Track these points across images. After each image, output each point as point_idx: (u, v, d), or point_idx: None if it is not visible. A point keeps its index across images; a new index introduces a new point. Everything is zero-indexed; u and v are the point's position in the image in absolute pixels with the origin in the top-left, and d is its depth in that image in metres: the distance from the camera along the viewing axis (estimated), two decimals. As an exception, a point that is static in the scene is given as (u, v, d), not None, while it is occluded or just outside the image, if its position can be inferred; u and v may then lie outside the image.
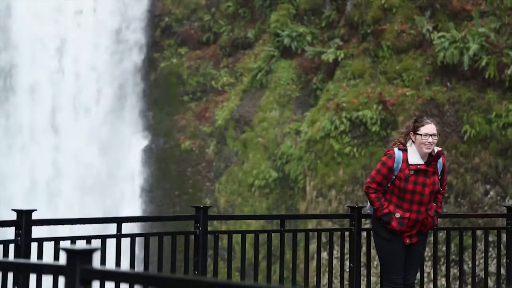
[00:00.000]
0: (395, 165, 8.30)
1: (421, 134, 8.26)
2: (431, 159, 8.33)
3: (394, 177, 8.29)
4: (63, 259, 4.20)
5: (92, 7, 25.16)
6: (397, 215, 8.29)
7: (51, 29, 24.70)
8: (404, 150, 8.32)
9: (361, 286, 9.59)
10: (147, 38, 25.74)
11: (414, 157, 8.30)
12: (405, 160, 8.28)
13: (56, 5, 24.82)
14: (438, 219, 8.80)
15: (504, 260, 10.37)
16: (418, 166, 8.27)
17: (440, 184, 8.52)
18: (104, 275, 4.40)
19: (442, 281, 16.49)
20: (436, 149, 8.40)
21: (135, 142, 24.79)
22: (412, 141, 8.34)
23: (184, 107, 24.92)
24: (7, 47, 24.58)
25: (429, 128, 8.28)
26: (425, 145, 8.25)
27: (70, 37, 24.86)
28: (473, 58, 20.14)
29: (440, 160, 8.45)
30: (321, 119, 21.36)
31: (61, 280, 4.21)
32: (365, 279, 9.69)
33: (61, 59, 24.71)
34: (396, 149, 8.36)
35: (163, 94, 25.24)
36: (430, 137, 8.26)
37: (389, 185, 8.36)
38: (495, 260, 10.54)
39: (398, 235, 8.39)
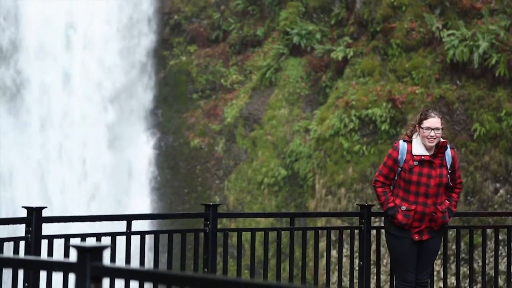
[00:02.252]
0: (399, 156, 8.40)
1: (423, 128, 8.35)
2: (436, 150, 8.41)
3: (399, 169, 8.39)
4: (73, 256, 4.21)
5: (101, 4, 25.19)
6: (403, 207, 8.35)
7: (59, 29, 24.74)
8: (409, 142, 8.45)
9: (371, 284, 9.58)
10: (157, 36, 25.76)
11: (419, 149, 8.40)
12: (410, 151, 8.40)
13: (65, 6, 24.85)
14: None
15: (514, 259, 10.34)
16: (422, 157, 8.35)
17: (452, 180, 8.52)
18: (114, 273, 4.40)
19: (452, 280, 16.46)
20: (442, 141, 8.45)
21: (144, 140, 24.82)
22: (418, 133, 8.44)
23: (193, 105, 24.94)
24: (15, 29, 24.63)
25: (431, 122, 8.36)
26: (427, 138, 8.35)
27: (79, 36, 24.89)
28: (483, 56, 20.08)
29: (449, 153, 8.49)
30: (331, 117, 21.34)
31: (71, 277, 4.22)
32: (375, 277, 9.68)
33: (70, 57, 24.75)
34: (401, 141, 8.50)
35: (172, 92, 25.26)
36: (432, 131, 8.34)
37: (396, 178, 8.41)
38: (505, 258, 10.51)
39: (407, 230, 8.40)
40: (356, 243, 9.43)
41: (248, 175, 23.06)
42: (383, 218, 8.73)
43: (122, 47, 25.24)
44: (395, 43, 21.57)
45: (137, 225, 8.45)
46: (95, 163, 24.20)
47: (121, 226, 8.27)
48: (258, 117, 23.63)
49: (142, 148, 24.65)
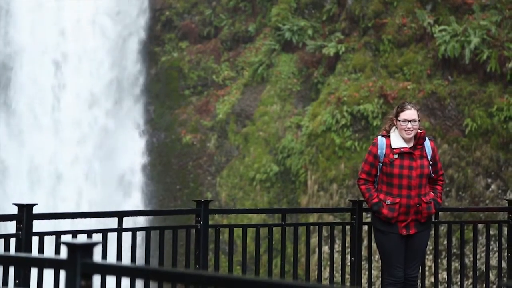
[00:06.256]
0: (379, 151, 8.51)
1: (400, 120, 8.46)
2: (415, 142, 8.49)
3: (380, 164, 8.46)
4: (64, 253, 4.19)
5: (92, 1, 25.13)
6: (388, 201, 8.43)
7: (50, 22, 24.67)
8: (387, 136, 8.55)
9: (362, 280, 9.60)
10: (148, 32, 25.71)
11: (397, 142, 8.52)
12: (389, 145, 8.52)
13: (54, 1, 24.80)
14: (440, 212, 8.84)
15: (505, 254, 10.37)
16: (402, 149, 8.47)
17: (434, 172, 8.59)
18: (105, 269, 4.39)
19: (443, 275, 16.50)
20: (420, 131, 8.55)
21: (136, 136, 24.78)
22: (396, 126, 8.53)
23: (185, 101, 24.91)
24: (7, 43, 24.55)
25: (408, 114, 8.47)
26: (405, 130, 8.47)
27: (69, 32, 24.83)
28: (474, 52, 20.11)
29: (428, 144, 8.59)
30: (322, 113, 21.35)
31: (62, 274, 4.21)
32: (366, 272, 9.69)
33: (61, 53, 24.68)
34: (379, 137, 8.63)
35: (164, 88, 25.23)
36: (409, 123, 8.46)
37: (378, 174, 8.49)
38: (496, 253, 10.53)
39: (393, 225, 8.45)
40: (348, 239, 9.43)
41: (240, 171, 23.06)
42: (371, 214, 8.75)
43: (112, 43, 25.18)
44: (386, 38, 21.58)
45: (128, 222, 8.44)
46: (87, 159, 24.15)
47: (112, 222, 8.24)
48: (250, 113, 23.63)
49: (134, 145, 24.62)
